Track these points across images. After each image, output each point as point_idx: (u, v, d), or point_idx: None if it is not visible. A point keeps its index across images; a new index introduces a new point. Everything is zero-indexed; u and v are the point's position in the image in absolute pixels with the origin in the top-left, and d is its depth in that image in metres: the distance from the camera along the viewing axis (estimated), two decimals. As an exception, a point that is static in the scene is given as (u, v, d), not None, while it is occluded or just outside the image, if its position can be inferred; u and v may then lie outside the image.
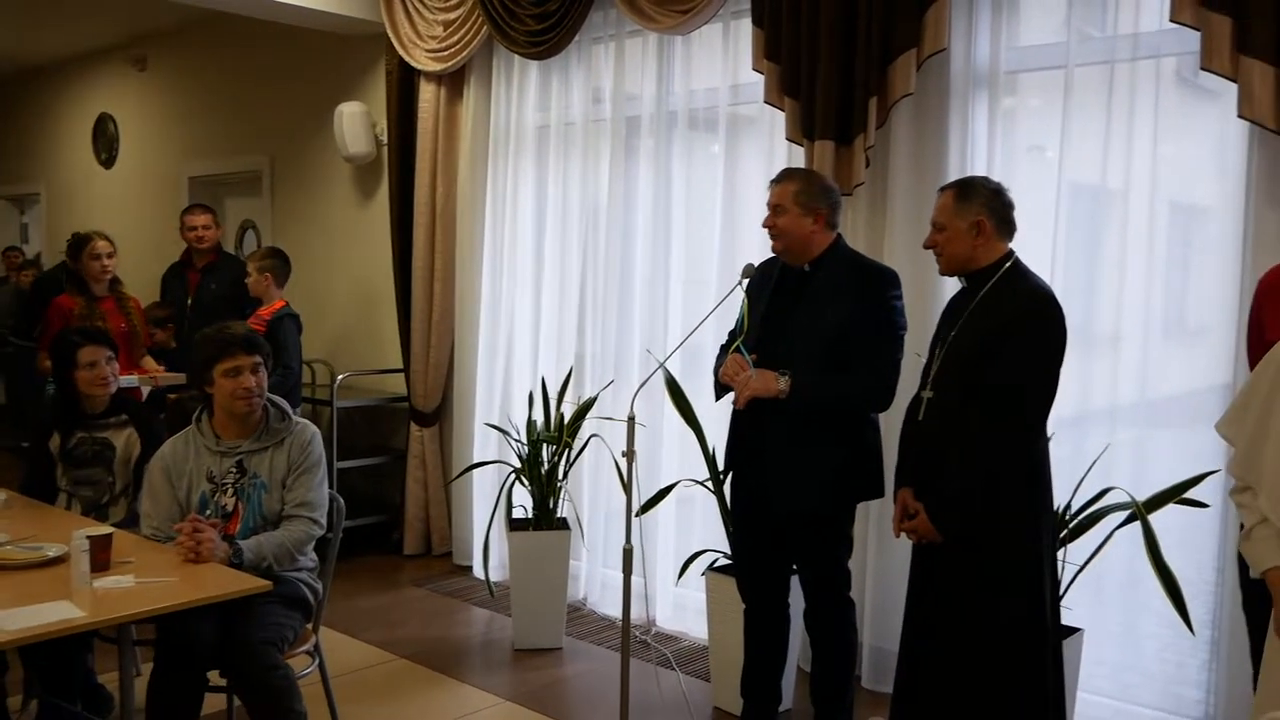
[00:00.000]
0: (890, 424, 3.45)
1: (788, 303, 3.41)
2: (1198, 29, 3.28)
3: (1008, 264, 3.05)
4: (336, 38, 6.34)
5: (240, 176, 7.54)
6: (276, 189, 7.17)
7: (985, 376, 2.94)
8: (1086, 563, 3.47)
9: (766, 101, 4.28)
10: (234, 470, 3.30)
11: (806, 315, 3.36)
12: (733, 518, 3.72)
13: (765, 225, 3.44)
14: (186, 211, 5.87)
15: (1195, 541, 3.57)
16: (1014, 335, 2.93)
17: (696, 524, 4.81)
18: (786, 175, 3.49)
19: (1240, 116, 3.24)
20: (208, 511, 3.25)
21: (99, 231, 5.22)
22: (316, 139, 6.70)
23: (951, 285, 3.33)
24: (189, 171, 7.89)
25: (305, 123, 6.80)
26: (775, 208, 3.39)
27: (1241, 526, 2.46)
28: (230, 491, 3.29)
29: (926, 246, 3.15)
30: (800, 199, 3.36)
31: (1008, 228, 3.06)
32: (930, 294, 3.85)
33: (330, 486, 3.45)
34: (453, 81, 5.67)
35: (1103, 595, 3.73)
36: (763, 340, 3.40)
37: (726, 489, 3.78)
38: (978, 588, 3.01)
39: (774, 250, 3.46)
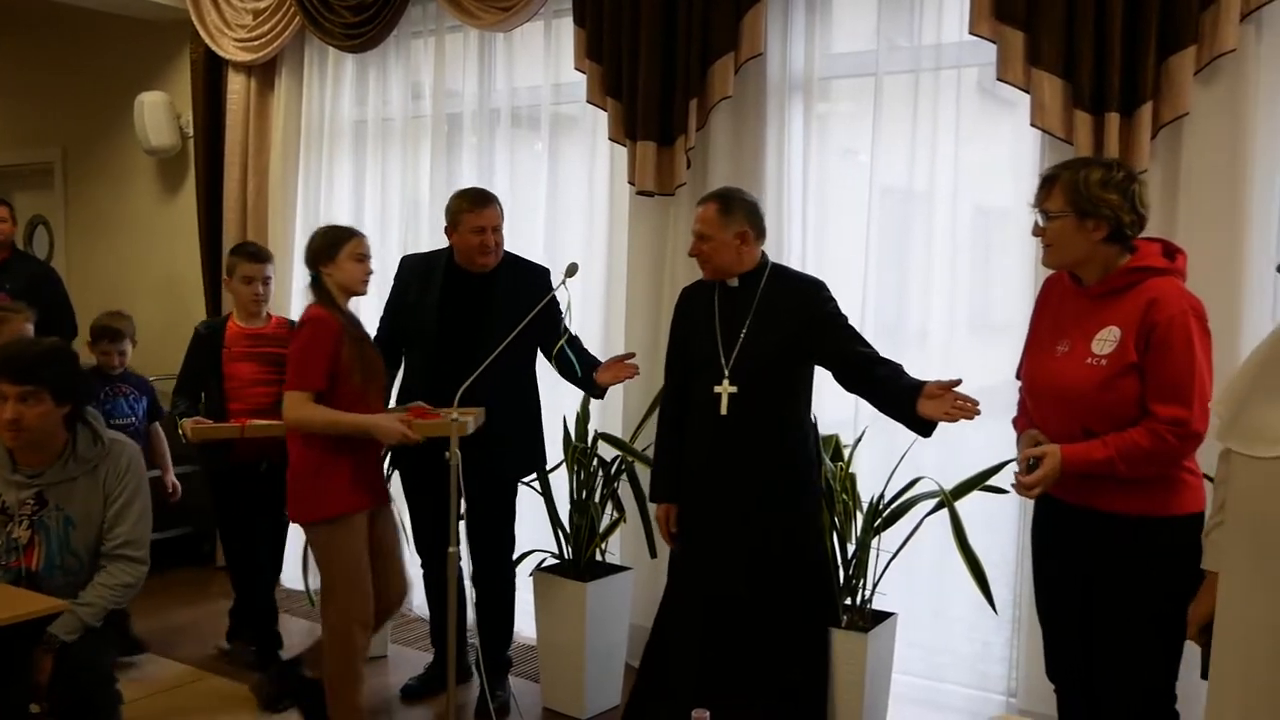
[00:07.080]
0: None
1: (469, 308, 3.79)
2: (994, 41, 3.47)
3: (770, 264, 3.36)
4: (136, 22, 6.03)
5: (29, 169, 7.06)
6: (70, 183, 6.77)
7: (802, 361, 3.28)
8: (899, 550, 3.61)
9: (589, 101, 4.30)
10: (31, 501, 2.98)
11: (490, 318, 3.73)
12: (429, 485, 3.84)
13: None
14: (-25, 206, 5.48)
15: (997, 526, 3.77)
16: (825, 318, 3.26)
17: (523, 525, 4.78)
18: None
19: (1033, 125, 3.44)
20: None
21: None
22: (114, 130, 6.36)
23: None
24: (-29, 162, 7.37)
25: (102, 113, 6.44)
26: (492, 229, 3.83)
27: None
28: (25, 524, 2.96)
29: (691, 254, 3.34)
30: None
31: (763, 235, 3.35)
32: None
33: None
34: (264, 72, 5.48)
35: (914, 581, 3.89)
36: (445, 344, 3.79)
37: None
38: (799, 566, 3.34)
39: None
